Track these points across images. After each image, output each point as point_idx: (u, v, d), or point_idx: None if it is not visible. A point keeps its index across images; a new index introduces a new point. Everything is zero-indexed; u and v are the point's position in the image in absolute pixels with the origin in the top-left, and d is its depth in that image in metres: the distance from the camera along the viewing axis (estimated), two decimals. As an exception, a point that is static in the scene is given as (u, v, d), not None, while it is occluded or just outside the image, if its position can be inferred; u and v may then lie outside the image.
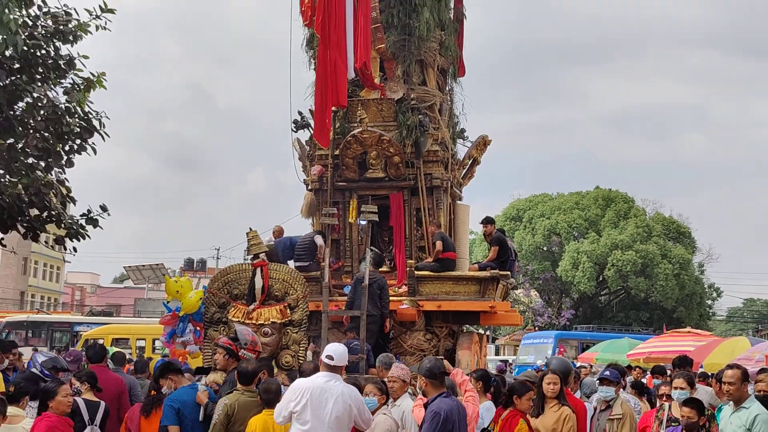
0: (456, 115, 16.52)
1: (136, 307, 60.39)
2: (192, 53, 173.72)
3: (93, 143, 14.53)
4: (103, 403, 8.85)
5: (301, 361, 11.13)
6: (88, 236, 15.05)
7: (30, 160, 14.14)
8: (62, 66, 14.13)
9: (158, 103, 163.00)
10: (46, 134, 13.91)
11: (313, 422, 7.36)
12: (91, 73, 14.35)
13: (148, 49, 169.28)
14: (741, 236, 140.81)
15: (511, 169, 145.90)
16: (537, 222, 55.40)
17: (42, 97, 13.99)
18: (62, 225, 14.77)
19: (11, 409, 7.50)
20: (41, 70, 14.00)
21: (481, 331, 16.90)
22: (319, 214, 14.51)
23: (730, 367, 8.78)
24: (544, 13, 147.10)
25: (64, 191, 14.88)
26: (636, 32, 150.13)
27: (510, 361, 38.20)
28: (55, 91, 14.30)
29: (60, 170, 14.70)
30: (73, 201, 15.14)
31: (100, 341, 25.86)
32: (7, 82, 13.53)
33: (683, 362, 10.54)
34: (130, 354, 24.32)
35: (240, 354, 9.02)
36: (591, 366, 20.36)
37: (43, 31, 13.89)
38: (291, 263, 14.17)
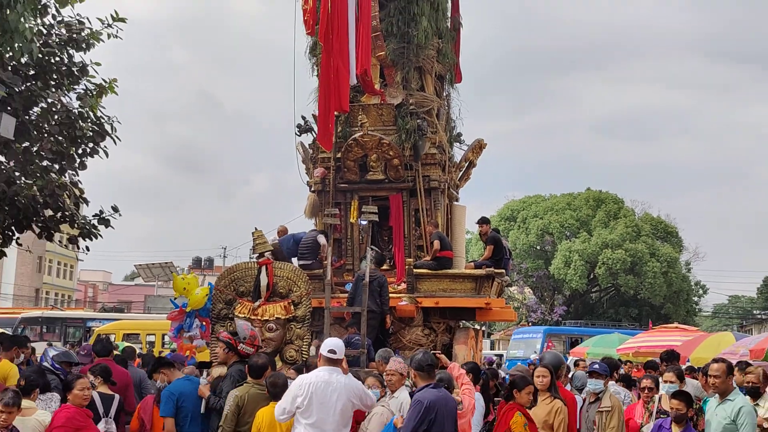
0: (453, 119, 16.55)
1: (146, 303, 60.36)
2: (199, 60, 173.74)
3: (105, 147, 14.54)
4: (117, 396, 8.87)
5: (304, 356, 11.14)
6: (100, 236, 15.05)
7: (45, 163, 14.15)
8: (75, 73, 14.14)
9: (167, 108, 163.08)
10: (60, 138, 13.92)
11: (318, 416, 7.35)
12: (103, 80, 14.36)
13: (158, 57, 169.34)
14: (726, 236, 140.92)
15: (505, 172, 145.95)
16: (530, 222, 55.42)
17: (56, 102, 14.00)
18: (75, 225, 14.78)
19: (23, 402, 7.52)
20: (55, 77, 14.01)
21: (477, 326, 16.90)
22: (322, 215, 14.52)
23: (715, 361, 8.81)
24: (538, 22, 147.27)
25: (77, 193, 14.89)
26: (625, 40, 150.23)
27: (503, 356, 38.18)
28: (68, 96, 14.31)
29: (73, 172, 14.71)
30: (86, 202, 15.15)
31: (112, 336, 26.00)
32: (23, 88, 13.53)
33: (671, 356, 10.55)
34: (141, 348, 24.30)
35: (239, 348, 8.98)
36: (586, 360, 20.37)
37: (57, 40, 13.90)
38: (295, 260, 14.19)
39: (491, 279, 14.29)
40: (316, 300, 12.39)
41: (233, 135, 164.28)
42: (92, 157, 14.54)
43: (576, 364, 15.20)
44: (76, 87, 14.30)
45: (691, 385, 10.00)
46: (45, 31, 13.67)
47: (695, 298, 60.47)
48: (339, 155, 14.55)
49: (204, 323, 12.06)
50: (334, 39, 12.69)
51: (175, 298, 12.05)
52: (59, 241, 17.39)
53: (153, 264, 61.52)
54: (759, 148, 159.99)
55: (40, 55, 12.88)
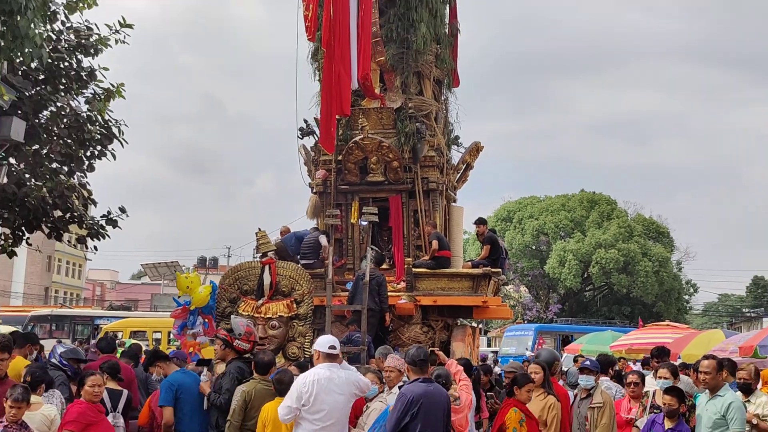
0: (451, 122, 16.53)
1: (152, 302, 60.29)
2: (205, 65, 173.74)
3: (112, 149, 14.54)
4: (125, 392, 8.87)
5: (307, 353, 11.13)
6: (108, 236, 15.06)
7: (54, 165, 14.16)
8: (84, 77, 14.14)
9: (173, 111, 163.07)
10: (69, 141, 13.92)
11: (325, 411, 7.33)
12: (111, 84, 14.36)
13: (164, 62, 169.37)
14: (716, 236, 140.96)
15: (502, 174, 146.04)
16: (526, 223, 55.43)
17: (65, 106, 14.01)
18: (84, 225, 14.78)
19: (31, 398, 7.52)
20: (64, 81, 14.01)
21: (474, 324, 16.88)
22: (323, 215, 14.51)
23: (706, 357, 8.82)
24: (533, 28, 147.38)
25: (86, 194, 14.89)
26: (619, 45, 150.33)
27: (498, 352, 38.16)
28: (77, 100, 14.31)
29: (82, 174, 14.72)
30: (94, 203, 15.15)
31: (119, 334, 25.99)
32: (33, 92, 13.54)
33: (661, 353, 10.54)
34: (147, 345, 24.28)
35: (235, 344, 8.94)
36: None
37: (66, 45, 13.91)
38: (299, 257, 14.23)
39: (488, 278, 14.29)
40: (317, 298, 12.40)
41: (237, 138, 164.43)
42: (100, 159, 14.54)
43: (575, 360, 15.19)
44: (84, 91, 14.31)
45: (683, 382, 10.00)
46: (54, 37, 13.67)
47: (686, 297, 60.50)
48: (340, 158, 14.55)
49: (206, 320, 12.06)
50: (335, 45, 12.70)
51: (179, 297, 12.03)
52: (68, 241, 17.35)
53: (159, 263, 61.52)
54: (749, 149, 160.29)
55: (49, 60, 12.87)
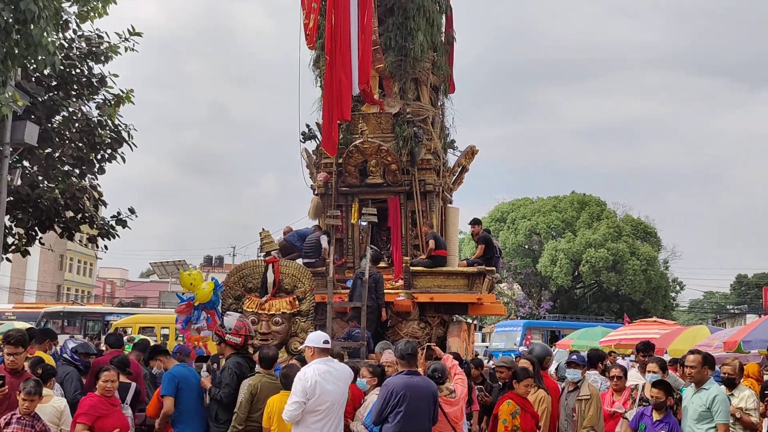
0: (447, 127, 16.52)
1: (160, 299, 60.22)
2: (211, 72, 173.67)
3: (122, 153, 14.55)
4: (134, 385, 8.87)
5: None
6: (118, 236, 15.06)
7: (66, 168, 14.15)
8: (95, 83, 14.14)
9: (180, 116, 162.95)
10: (81, 144, 13.93)
11: (328, 402, 7.34)
12: (121, 90, 14.36)
13: (172, 68, 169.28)
14: (701, 236, 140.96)
15: (495, 176, 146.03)
16: (519, 223, 55.42)
17: (77, 111, 14.01)
18: (94, 225, 14.78)
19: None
20: (76, 87, 14.01)
21: (469, 320, 16.87)
22: (325, 216, 14.50)
23: (691, 352, 8.81)
24: (525, 38, 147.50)
25: (97, 195, 14.89)
26: (607, 54, 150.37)
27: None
28: (88, 105, 14.32)
29: (93, 177, 14.71)
30: (105, 204, 15.15)
31: (129, 330, 25.97)
32: (46, 97, 13.55)
33: (646, 347, 10.50)
34: (155, 341, 24.26)
35: (226, 339, 8.91)
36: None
37: (78, 53, 13.91)
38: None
39: (482, 276, 14.30)
40: (319, 295, 12.40)
41: (242, 141, 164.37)
42: (110, 162, 14.55)
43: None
44: (95, 97, 14.32)
45: (669, 377, 9.99)
46: (66, 45, 13.67)
47: (672, 294, 60.47)
48: (340, 161, 14.56)
49: (209, 315, 12.06)
50: (337, 53, 12.70)
51: (183, 293, 12.03)
52: (79, 241, 17.39)
53: (167, 262, 61.55)
54: (731, 153, 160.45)
55: (61, 67, 12.88)
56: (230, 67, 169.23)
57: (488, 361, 18.06)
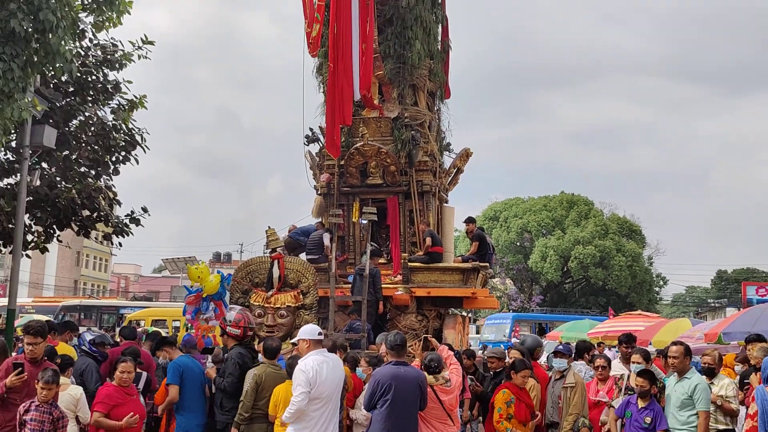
0: (443, 130, 16.52)
1: (172, 293, 60.41)
2: (220, 79, 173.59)
3: (136, 155, 14.56)
4: (144, 374, 8.87)
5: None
6: (132, 233, 15.07)
7: (82, 169, 14.17)
8: (109, 89, 14.15)
9: (190, 120, 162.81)
10: (96, 147, 13.93)
11: (327, 390, 7.36)
12: (134, 96, 14.37)
13: (183, 75, 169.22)
14: (684, 233, 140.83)
15: (489, 177, 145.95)
16: (511, 221, 55.41)
17: (92, 115, 14.02)
18: (109, 224, 14.80)
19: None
20: (92, 93, 14.02)
21: (464, 313, 16.85)
22: (327, 215, 14.52)
23: (674, 343, 8.81)
24: (518, 44, 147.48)
25: (111, 195, 14.90)
26: (596, 61, 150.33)
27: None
28: (103, 110, 14.33)
29: (108, 177, 14.72)
30: (119, 203, 15.16)
31: (142, 322, 25.97)
32: (63, 103, 13.56)
33: (629, 339, 10.49)
34: (167, 332, 24.27)
35: (227, 330, 8.95)
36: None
37: (94, 60, 13.92)
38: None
39: (477, 271, 14.30)
40: (322, 290, 12.39)
41: (249, 144, 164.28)
42: (124, 164, 14.56)
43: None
44: (110, 102, 14.33)
45: (652, 368, 9.99)
46: (83, 53, 13.68)
47: (656, 289, 60.45)
48: (342, 162, 14.56)
49: (217, 306, 12.08)
50: (339, 61, 12.72)
51: (192, 286, 12.06)
52: (95, 238, 17.37)
53: (178, 258, 61.53)
54: (713, 156, 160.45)
55: (78, 74, 12.88)
56: (237, 74, 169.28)
57: (483, 352, 18.03)
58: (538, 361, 10.19)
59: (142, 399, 8.46)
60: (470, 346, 19.35)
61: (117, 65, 14.09)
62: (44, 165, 13.95)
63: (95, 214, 14.52)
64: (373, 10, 13.94)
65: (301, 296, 11.75)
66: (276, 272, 11.76)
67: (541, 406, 8.93)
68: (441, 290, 14.15)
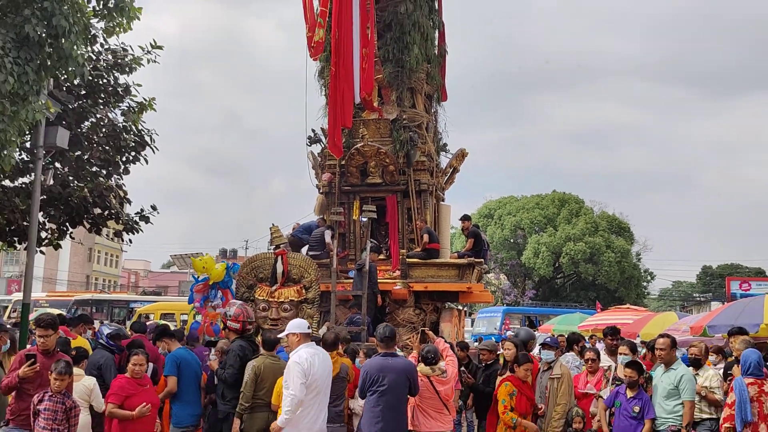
0: (439, 132, 16.51)
1: (180, 288, 60.30)
2: (225, 83, 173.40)
3: (145, 155, 14.56)
4: (151, 365, 8.86)
5: (314, 333, 11.11)
6: (141, 230, 15.09)
7: (94, 169, 14.17)
8: (120, 92, 14.15)
9: (197, 122, 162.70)
10: (107, 148, 13.93)
11: (319, 383, 7.39)
12: (144, 98, 14.37)
13: (190, 79, 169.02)
14: (671, 231, 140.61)
15: (484, 176, 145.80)
16: (505, 219, 55.42)
17: (104, 117, 14.01)
18: (120, 221, 14.80)
19: (74, 370, 7.54)
20: (103, 96, 14.02)
21: (459, 307, 16.85)
22: (329, 213, 14.52)
23: (661, 336, 8.81)
24: (512, 49, 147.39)
25: (122, 194, 14.91)
26: (588, 65, 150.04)
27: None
28: (114, 112, 14.33)
29: (118, 177, 14.73)
30: (129, 202, 15.17)
31: (151, 316, 25.97)
32: (76, 105, 13.55)
33: (614, 332, 10.50)
34: (175, 325, 24.26)
35: (228, 324, 8.99)
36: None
37: (105, 64, 13.91)
38: (306, 248, 14.24)
39: (472, 267, 14.30)
40: (323, 285, 12.40)
41: (253, 146, 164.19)
42: (134, 163, 14.56)
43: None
44: (120, 104, 14.33)
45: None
46: (94, 57, 13.68)
47: (644, 284, 60.48)
48: (343, 162, 14.55)
49: (224, 294, 12.10)
50: (340, 65, 12.72)
51: (198, 277, 12.09)
52: (106, 235, 17.39)
53: (186, 254, 61.46)
54: (699, 156, 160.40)
55: (90, 78, 12.89)
56: (242, 78, 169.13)
57: (477, 344, 18.03)
58: (531, 353, 10.19)
59: None
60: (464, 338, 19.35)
61: (127, 69, 14.09)
62: (57, 165, 13.94)
63: (106, 212, 14.53)
64: (374, 16, 13.93)
65: (303, 291, 11.75)
66: (280, 268, 11.77)
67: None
68: (438, 285, 14.15)
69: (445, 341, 9.08)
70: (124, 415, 7.30)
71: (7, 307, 32.76)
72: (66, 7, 9.25)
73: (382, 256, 14.62)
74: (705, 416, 8.28)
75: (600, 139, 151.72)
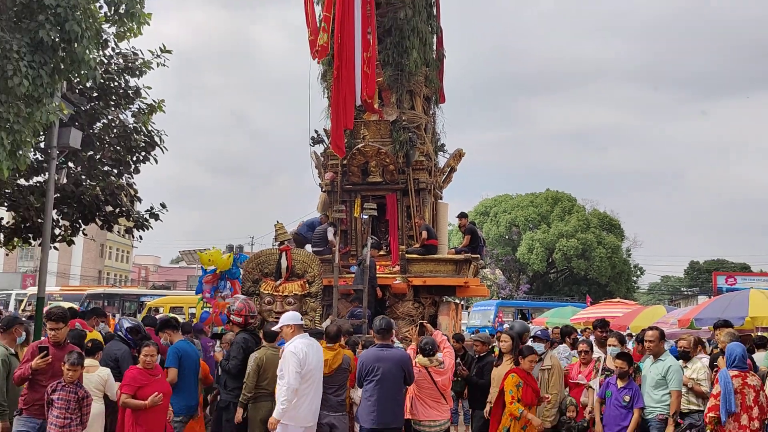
0: (438, 132, 16.49)
1: (188, 282, 60.33)
2: (232, 85, 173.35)
3: (155, 155, 14.56)
4: (158, 356, 8.86)
5: (317, 325, 11.13)
6: (151, 227, 15.10)
7: (106, 168, 14.17)
8: (130, 94, 14.15)
9: (205, 123, 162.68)
10: (118, 148, 13.93)
11: (314, 369, 7.43)
12: (153, 100, 14.37)
13: (197, 82, 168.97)
14: (659, 227, 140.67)
15: (480, 175, 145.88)
16: (500, 216, 55.44)
17: (115, 119, 14.01)
18: (131, 218, 14.81)
19: (88, 361, 7.56)
20: (114, 98, 14.02)
21: (457, 300, 16.86)
22: (331, 210, 14.52)
23: (650, 328, 8.82)
24: (507, 54, 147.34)
25: (132, 192, 14.92)
26: (578, 69, 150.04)
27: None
28: (125, 114, 14.33)
29: (129, 176, 14.73)
30: (139, 200, 15.18)
31: (161, 309, 25.96)
32: (88, 107, 13.54)
33: (603, 324, 10.50)
34: (184, 318, 24.26)
35: (231, 318, 9.02)
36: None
37: (116, 68, 13.91)
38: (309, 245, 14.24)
39: (469, 262, 14.31)
40: (326, 279, 12.41)
41: (259, 146, 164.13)
42: (144, 163, 14.56)
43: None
44: (131, 106, 14.33)
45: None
46: (106, 61, 13.67)
47: (634, 278, 60.48)
48: (345, 162, 14.55)
49: (232, 284, 12.10)
50: (343, 69, 12.73)
51: (206, 269, 12.10)
52: (117, 232, 17.41)
53: (194, 250, 61.43)
54: (685, 156, 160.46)
55: (102, 81, 12.88)
56: (248, 81, 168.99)
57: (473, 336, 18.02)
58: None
59: None
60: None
61: (137, 72, 14.08)
62: (70, 164, 13.94)
63: (117, 210, 14.53)
64: (374, 22, 13.92)
65: (307, 285, 11.77)
66: (284, 263, 11.78)
67: None
68: (436, 279, 14.16)
69: (443, 334, 9.08)
70: (137, 405, 7.32)
71: (22, 300, 32.77)
72: (79, 13, 9.25)
73: (382, 252, 14.63)
74: (693, 407, 8.27)
75: (591, 140, 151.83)
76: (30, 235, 14.31)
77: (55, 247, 14.95)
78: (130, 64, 13.98)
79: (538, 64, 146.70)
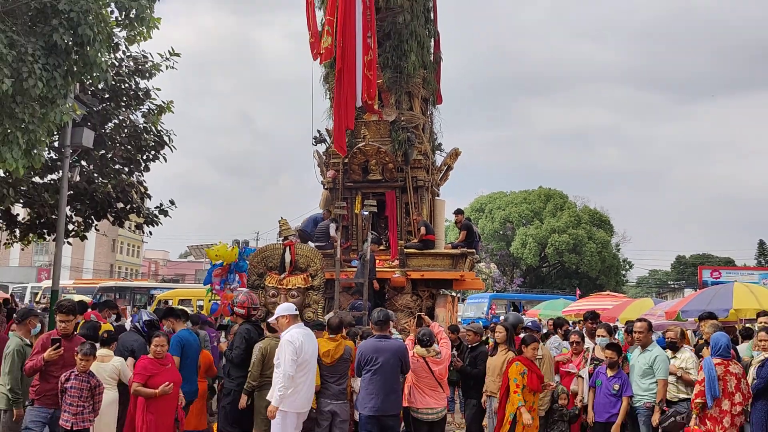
0: (435, 132, 16.48)
1: (196, 276, 60.29)
2: (238, 87, 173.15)
3: (164, 154, 14.57)
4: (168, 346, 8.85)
5: (320, 317, 11.11)
6: (161, 223, 15.10)
7: (117, 166, 14.18)
8: (140, 96, 14.15)
9: (212, 124, 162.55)
10: (129, 147, 13.94)
11: (309, 357, 7.44)
12: (162, 101, 14.38)
13: (205, 84, 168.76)
14: (647, 223, 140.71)
15: (476, 173, 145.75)
16: (495, 213, 55.43)
17: (126, 119, 14.01)
18: (141, 215, 14.81)
19: (103, 351, 7.57)
20: (125, 99, 14.02)
21: (453, 293, 16.86)
22: (333, 207, 14.51)
23: (639, 320, 8.84)
24: (502, 57, 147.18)
25: (143, 190, 14.92)
26: (570, 72, 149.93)
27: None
28: (135, 114, 14.34)
29: (139, 174, 14.74)
30: (149, 197, 15.18)
31: (170, 301, 25.95)
32: (100, 108, 13.55)
33: (593, 316, 10.51)
34: (192, 310, 24.23)
35: (234, 310, 9.03)
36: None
37: (127, 70, 13.91)
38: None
39: (465, 257, 14.30)
40: (328, 273, 12.38)
41: (264, 145, 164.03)
42: (154, 162, 14.58)
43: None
44: (141, 107, 14.33)
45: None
46: (117, 64, 13.67)
47: (623, 272, 60.53)
48: (346, 160, 14.54)
49: (240, 277, 12.09)
50: (344, 71, 12.71)
51: (214, 264, 12.10)
52: (129, 227, 17.38)
53: (202, 245, 61.47)
54: (671, 155, 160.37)
55: (113, 82, 12.87)
56: (253, 83, 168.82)
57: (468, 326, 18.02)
58: (519, 336, 10.17)
59: None
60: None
61: (147, 74, 14.08)
62: (83, 163, 13.95)
63: (128, 206, 14.54)
64: (374, 26, 13.90)
65: (310, 279, 11.73)
66: (288, 257, 11.74)
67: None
68: (433, 273, 14.15)
69: (439, 325, 9.08)
70: (148, 393, 7.32)
71: (37, 293, 32.78)
72: (91, 18, 9.24)
73: (382, 247, 14.63)
74: (682, 396, 8.28)
75: (582, 139, 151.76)
76: (45, 231, 14.31)
77: (68, 242, 14.97)
78: (140, 67, 13.98)
79: (532, 67, 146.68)
